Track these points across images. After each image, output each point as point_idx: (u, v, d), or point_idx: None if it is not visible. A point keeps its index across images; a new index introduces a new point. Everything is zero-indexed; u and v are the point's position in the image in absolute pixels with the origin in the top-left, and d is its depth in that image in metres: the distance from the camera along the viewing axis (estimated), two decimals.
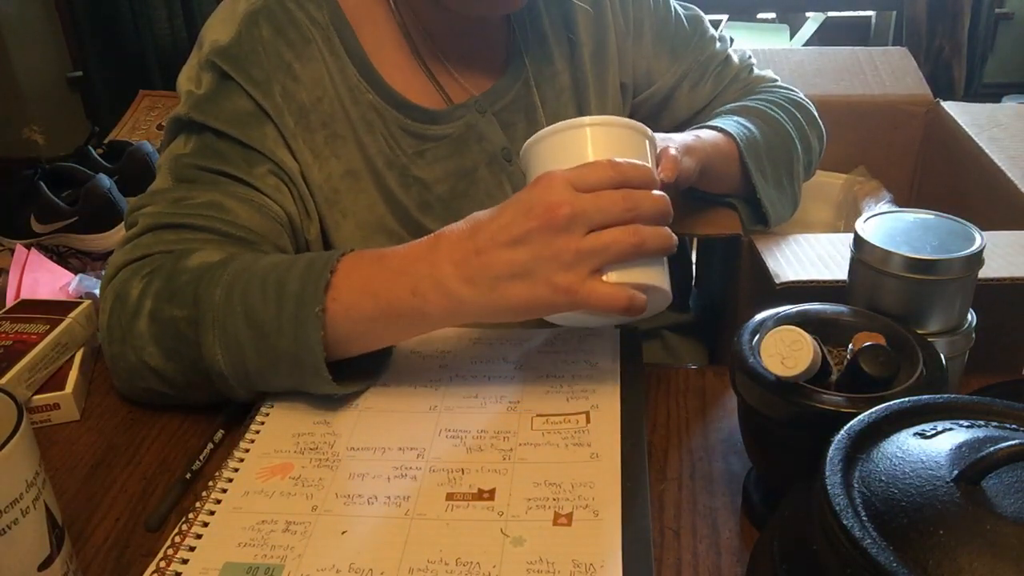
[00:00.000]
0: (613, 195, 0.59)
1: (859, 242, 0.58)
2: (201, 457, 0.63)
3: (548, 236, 0.58)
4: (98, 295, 1.16)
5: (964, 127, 0.99)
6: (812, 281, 0.68)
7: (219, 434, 0.66)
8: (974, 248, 0.56)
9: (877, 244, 0.57)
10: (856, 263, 0.59)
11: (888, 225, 0.59)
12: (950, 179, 1.02)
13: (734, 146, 0.82)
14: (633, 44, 0.91)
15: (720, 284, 0.98)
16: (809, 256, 0.72)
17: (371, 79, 0.79)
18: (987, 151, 0.92)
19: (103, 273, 0.74)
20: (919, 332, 0.55)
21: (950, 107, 1.06)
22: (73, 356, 0.74)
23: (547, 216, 0.58)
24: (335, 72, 0.78)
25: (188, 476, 0.62)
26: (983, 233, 0.57)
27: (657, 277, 0.61)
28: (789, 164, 0.88)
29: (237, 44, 0.75)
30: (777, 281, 0.69)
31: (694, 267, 1.08)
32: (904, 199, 1.14)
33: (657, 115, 0.95)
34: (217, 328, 0.64)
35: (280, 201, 0.75)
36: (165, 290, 0.67)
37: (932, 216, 0.60)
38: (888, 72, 1.12)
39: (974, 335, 0.59)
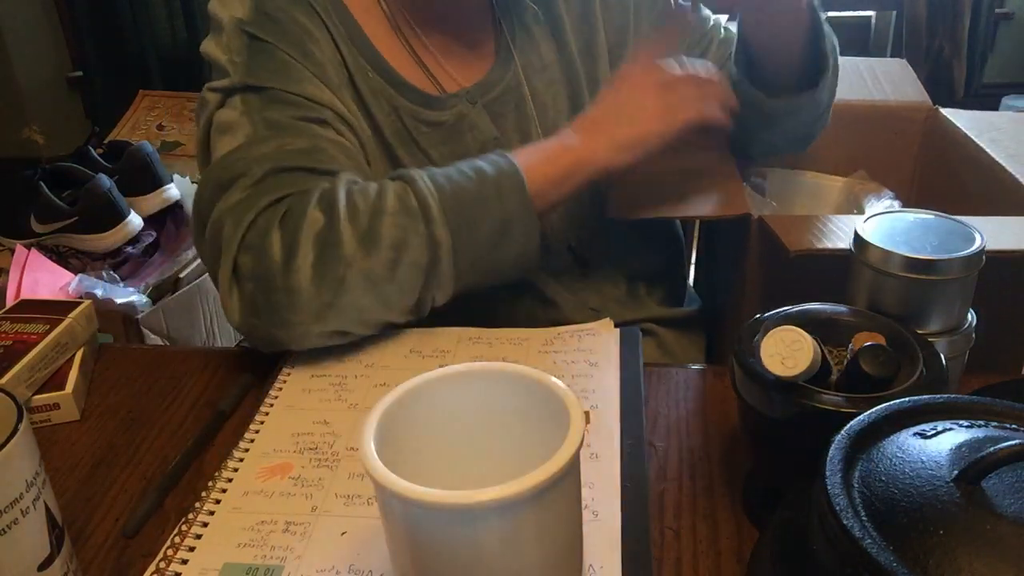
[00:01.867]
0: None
1: (859, 242, 0.58)
2: (175, 462, 0.63)
3: (639, 95, 0.77)
4: (97, 296, 1.15)
5: (964, 130, 0.99)
6: (826, 250, 0.68)
7: (190, 441, 0.65)
8: (974, 248, 0.56)
9: (877, 244, 0.57)
10: (856, 263, 0.59)
11: (888, 225, 0.59)
12: (950, 182, 1.01)
13: None
14: (633, 36, 0.92)
15: (725, 276, 0.97)
16: (822, 230, 0.72)
17: (369, 57, 0.81)
18: (988, 151, 0.92)
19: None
20: (919, 332, 0.55)
21: (949, 113, 1.06)
22: (73, 356, 0.74)
23: (640, 80, 0.78)
24: (341, 44, 0.80)
25: (162, 480, 0.61)
26: (987, 221, 0.57)
27: None
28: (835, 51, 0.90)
29: (260, 14, 0.77)
30: (791, 249, 0.68)
31: (694, 266, 1.08)
32: (904, 203, 1.14)
33: None
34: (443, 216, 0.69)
35: (352, 142, 0.78)
36: (361, 200, 0.69)
37: (932, 216, 0.60)
38: (887, 80, 1.12)
39: (974, 335, 0.59)
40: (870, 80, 1.12)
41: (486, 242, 0.71)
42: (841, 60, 1.20)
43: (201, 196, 0.73)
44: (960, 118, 1.04)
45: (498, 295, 0.85)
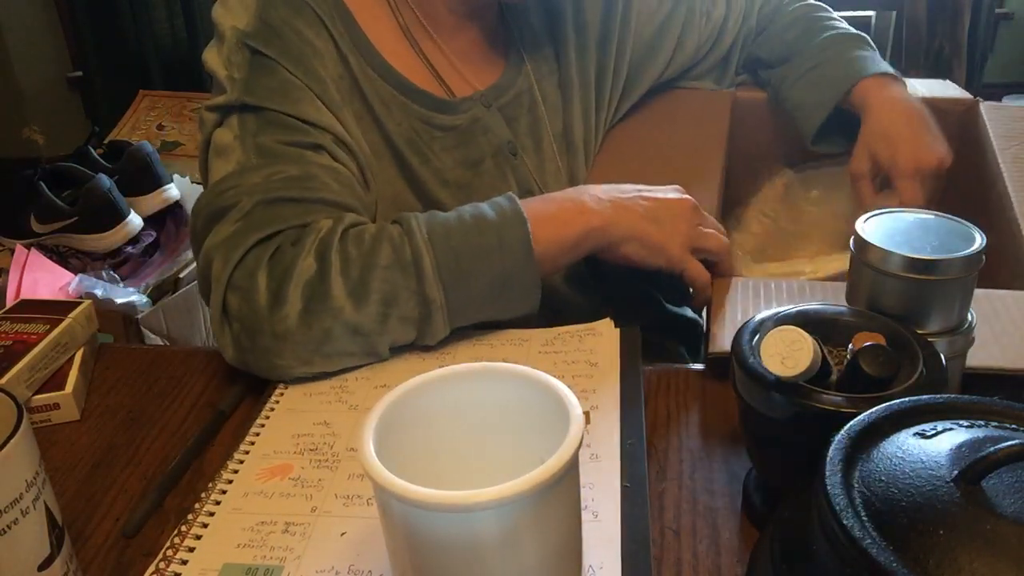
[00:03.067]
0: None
1: (859, 242, 0.58)
2: (175, 462, 0.63)
3: (675, 207, 0.75)
4: (97, 296, 1.15)
5: (992, 137, 0.94)
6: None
7: (192, 439, 0.66)
8: (974, 248, 0.56)
9: (877, 244, 0.57)
10: (856, 263, 0.59)
11: (888, 225, 0.59)
12: (975, 192, 0.95)
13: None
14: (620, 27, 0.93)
15: None
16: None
17: (376, 65, 0.80)
18: (1003, 167, 0.88)
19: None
20: (919, 332, 0.54)
21: (988, 110, 0.99)
22: (73, 356, 0.74)
23: (678, 199, 0.76)
24: (347, 53, 0.79)
25: (162, 480, 0.61)
26: (983, 234, 0.57)
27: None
28: None
29: (263, 26, 0.75)
30: (708, 351, 0.68)
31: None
32: (933, 204, 1.08)
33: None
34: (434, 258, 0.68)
35: (349, 166, 0.77)
36: (355, 249, 0.67)
37: (932, 216, 0.60)
38: (927, 89, 1.07)
39: (974, 335, 0.59)
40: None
41: (481, 296, 0.70)
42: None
43: (195, 224, 0.73)
44: (998, 117, 0.97)
45: None
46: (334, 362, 0.69)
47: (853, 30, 0.98)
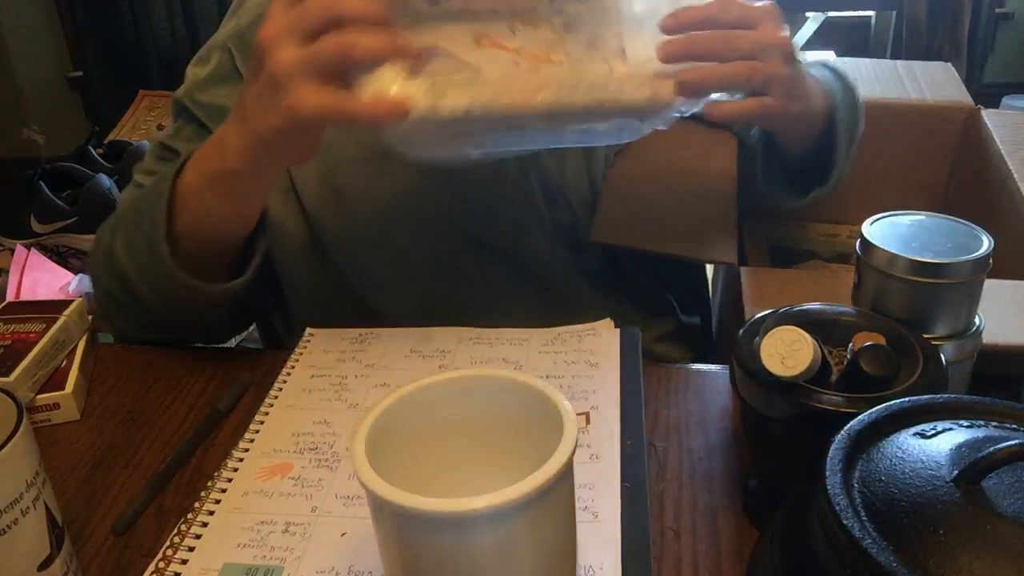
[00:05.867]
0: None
1: (865, 245, 0.58)
2: (168, 459, 0.63)
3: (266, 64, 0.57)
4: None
5: (998, 141, 0.92)
6: None
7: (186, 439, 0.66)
8: (981, 251, 0.55)
9: (883, 247, 0.56)
10: (862, 266, 0.59)
11: (894, 228, 0.59)
12: (980, 196, 0.95)
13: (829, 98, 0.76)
14: None
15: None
16: (791, 292, 0.69)
17: None
18: (1013, 169, 0.87)
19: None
20: (926, 336, 0.54)
21: (990, 116, 0.97)
22: (73, 356, 0.74)
23: (260, 48, 0.58)
24: None
25: (154, 479, 0.62)
26: (990, 237, 0.57)
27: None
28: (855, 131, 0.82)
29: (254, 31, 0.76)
30: (746, 319, 0.67)
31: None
32: (936, 210, 1.05)
33: None
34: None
35: None
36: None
37: (938, 219, 0.60)
38: (928, 83, 1.04)
39: (982, 339, 0.59)
40: (908, 81, 1.04)
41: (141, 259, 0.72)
42: (881, 63, 1.10)
43: None
44: (1001, 123, 0.96)
45: (525, 296, 0.84)
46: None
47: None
